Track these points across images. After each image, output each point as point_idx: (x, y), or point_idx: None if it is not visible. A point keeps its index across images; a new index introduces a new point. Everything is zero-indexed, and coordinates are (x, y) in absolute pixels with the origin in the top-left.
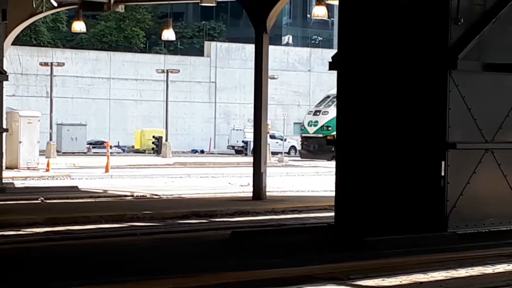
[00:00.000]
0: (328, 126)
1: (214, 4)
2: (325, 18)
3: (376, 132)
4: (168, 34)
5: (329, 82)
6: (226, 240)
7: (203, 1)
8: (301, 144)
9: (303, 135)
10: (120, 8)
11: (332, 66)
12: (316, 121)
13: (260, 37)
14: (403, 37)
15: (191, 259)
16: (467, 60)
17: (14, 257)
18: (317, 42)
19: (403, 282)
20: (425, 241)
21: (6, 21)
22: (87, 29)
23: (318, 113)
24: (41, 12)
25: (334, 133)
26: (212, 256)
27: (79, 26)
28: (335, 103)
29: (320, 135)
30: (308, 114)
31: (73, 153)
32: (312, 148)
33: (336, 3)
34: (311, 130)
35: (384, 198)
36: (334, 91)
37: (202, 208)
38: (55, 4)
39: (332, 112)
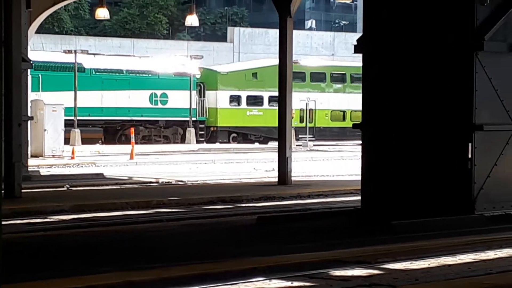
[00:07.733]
0: None
1: None
2: (348, 1)
3: (403, 114)
4: (192, 20)
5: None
6: (252, 225)
7: None
8: None
9: None
10: None
11: (357, 49)
12: None
13: (284, 22)
14: (429, 19)
15: (218, 244)
16: (493, 41)
17: (41, 245)
18: (340, 26)
19: (432, 265)
20: (452, 224)
21: (30, 9)
22: (110, 16)
23: None
24: None
25: None
26: (238, 242)
27: (102, 13)
28: None
29: None
30: None
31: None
32: None
33: None
34: None
35: (411, 181)
36: None
37: (228, 193)
38: None
39: None
